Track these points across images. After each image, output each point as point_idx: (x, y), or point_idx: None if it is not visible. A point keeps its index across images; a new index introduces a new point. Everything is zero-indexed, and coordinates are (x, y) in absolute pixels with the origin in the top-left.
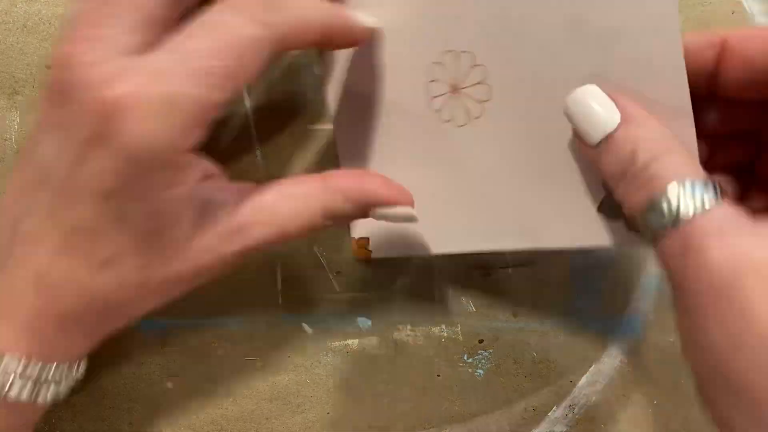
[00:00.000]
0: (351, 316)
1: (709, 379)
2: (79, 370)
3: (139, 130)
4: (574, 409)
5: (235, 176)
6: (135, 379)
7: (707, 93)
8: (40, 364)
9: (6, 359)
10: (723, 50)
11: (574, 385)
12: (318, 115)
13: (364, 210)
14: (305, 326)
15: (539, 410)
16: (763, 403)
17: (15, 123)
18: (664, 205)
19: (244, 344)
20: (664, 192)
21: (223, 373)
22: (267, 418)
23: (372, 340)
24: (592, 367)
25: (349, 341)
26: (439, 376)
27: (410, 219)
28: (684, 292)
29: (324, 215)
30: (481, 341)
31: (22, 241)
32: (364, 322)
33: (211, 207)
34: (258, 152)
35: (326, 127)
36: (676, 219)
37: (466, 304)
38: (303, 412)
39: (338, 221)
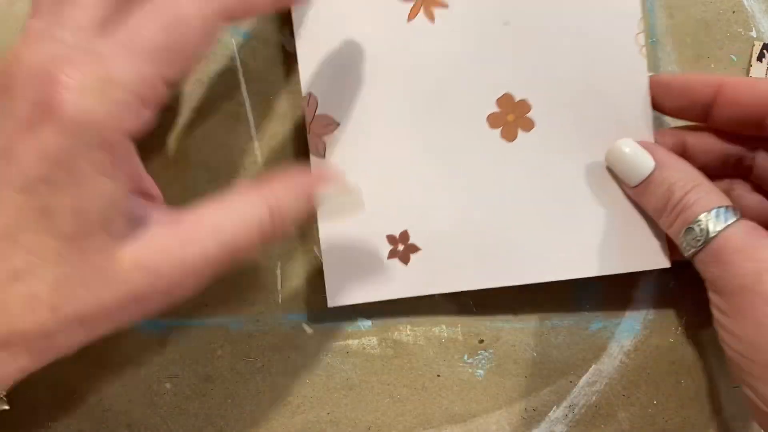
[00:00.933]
0: (351, 316)
1: (744, 362)
2: None
3: (75, 105)
4: (574, 409)
5: (235, 175)
6: (134, 380)
7: (699, 120)
8: None
9: None
10: (719, 92)
11: (574, 385)
12: None
13: (308, 200)
14: (305, 326)
15: (539, 410)
16: None
17: None
18: (697, 229)
19: (244, 344)
20: (696, 218)
21: (223, 373)
22: (267, 418)
23: (372, 340)
24: (592, 367)
25: (349, 341)
26: (439, 376)
27: (357, 202)
28: (719, 294)
29: (271, 215)
30: (481, 341)
31: None
32: (364, 322)
33: (145, 222)
34: (257, 152)
35: None
36: (706, 238)
37: (466, 304)
38: (303, 412)
39: (286, 221)
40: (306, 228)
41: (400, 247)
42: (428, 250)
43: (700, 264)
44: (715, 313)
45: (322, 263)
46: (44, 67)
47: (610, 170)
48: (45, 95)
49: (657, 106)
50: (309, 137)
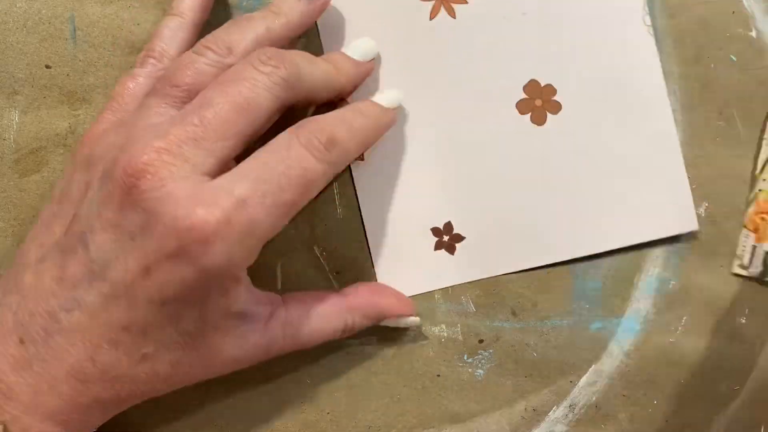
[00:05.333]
0: None
1: None
2: None
3: (221, 254)
4: (574, 409)
5: None
6: None
7: None
8: None
9: None
10: None
11: (574, 385)
12: None
13: (376, 321)
14: None
15: (539, 410)
16: None
17: (14, 123)
18: None
19: None
20: None
21: None
22: (267, 418)
23: (372, 340)
24: (592, 367)
25: (349, 341)
26: (439, 376)
27: (415, 325)
28: None
29: (343, 330)
30: (481, 341)
31: (63, 333)
32: None
33: (245, 320)
34: None
35: None
36: None
37: (466, 304)
38: (303, 412)
39: (353, 333)
40: (306, 228)
41: (446, 238)
42: (473, 238)
43: None
44: None
45: (323, 263)
46: (188, 199)
47: None
48: (189, 239)
49: None
50: None
